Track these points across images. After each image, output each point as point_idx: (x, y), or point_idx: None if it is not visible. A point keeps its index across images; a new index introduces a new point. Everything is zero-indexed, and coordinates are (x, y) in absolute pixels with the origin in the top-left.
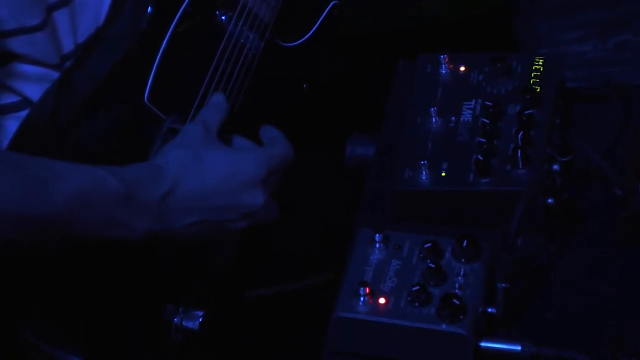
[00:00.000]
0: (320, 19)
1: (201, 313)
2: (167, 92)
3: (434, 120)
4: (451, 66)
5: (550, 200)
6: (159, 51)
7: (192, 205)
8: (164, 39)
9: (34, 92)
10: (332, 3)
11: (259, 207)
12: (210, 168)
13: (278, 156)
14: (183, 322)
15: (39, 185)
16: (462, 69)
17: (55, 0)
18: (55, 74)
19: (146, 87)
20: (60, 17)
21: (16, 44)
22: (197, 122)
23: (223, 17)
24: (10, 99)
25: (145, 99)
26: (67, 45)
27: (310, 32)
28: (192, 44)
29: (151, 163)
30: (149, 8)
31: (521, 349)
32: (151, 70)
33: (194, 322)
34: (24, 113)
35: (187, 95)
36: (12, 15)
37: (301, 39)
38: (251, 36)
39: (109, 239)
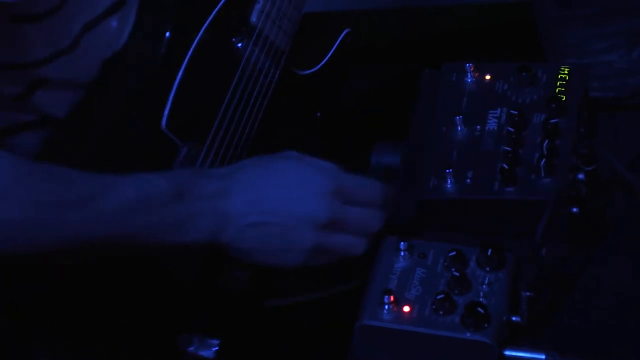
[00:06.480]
0: (334, 47)
1: (217, 342)
2: (185, 118)
3: (459, 129)
4: (476, 75)
5: (575, 210)
6: (177, 77)
7: (251, 203)
8: (182, 65)
9: (56, 112)
10: (345, 31)
11: (326, 221)
12: (274, 174)
13: (350, 180)
14: (198, 352)
15: (92, 199)
16: (488, 77)
17: (82, 25)
18: (76, 95)
19: (164, 113)
20: (85, 40)
21: (46, 70)
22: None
23: (239, 45)
24: (28, 117)
25: (163, 125)
26: (90, 67)
27: (324, 60)
28: (210, 71)
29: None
30: (167, 33)
31: (545, 357)
32: (169, 96)
33: (209, 350)
34: (41, 131)
35: (204, 122)
36: (45, 43)
37: (315, 67)
38: (267, 63)
39: (173, 247)
